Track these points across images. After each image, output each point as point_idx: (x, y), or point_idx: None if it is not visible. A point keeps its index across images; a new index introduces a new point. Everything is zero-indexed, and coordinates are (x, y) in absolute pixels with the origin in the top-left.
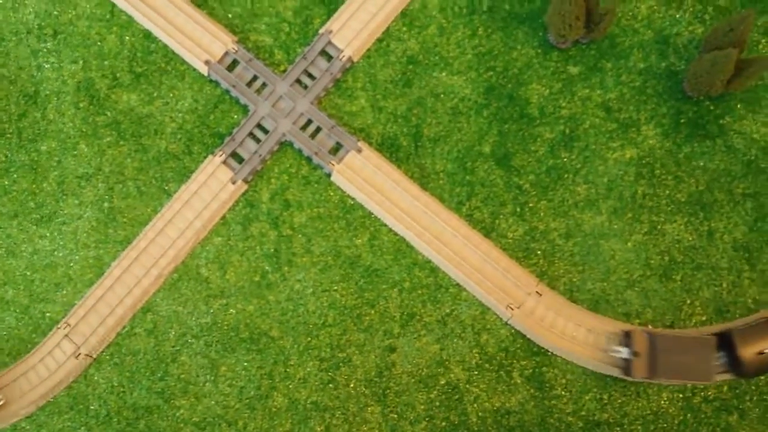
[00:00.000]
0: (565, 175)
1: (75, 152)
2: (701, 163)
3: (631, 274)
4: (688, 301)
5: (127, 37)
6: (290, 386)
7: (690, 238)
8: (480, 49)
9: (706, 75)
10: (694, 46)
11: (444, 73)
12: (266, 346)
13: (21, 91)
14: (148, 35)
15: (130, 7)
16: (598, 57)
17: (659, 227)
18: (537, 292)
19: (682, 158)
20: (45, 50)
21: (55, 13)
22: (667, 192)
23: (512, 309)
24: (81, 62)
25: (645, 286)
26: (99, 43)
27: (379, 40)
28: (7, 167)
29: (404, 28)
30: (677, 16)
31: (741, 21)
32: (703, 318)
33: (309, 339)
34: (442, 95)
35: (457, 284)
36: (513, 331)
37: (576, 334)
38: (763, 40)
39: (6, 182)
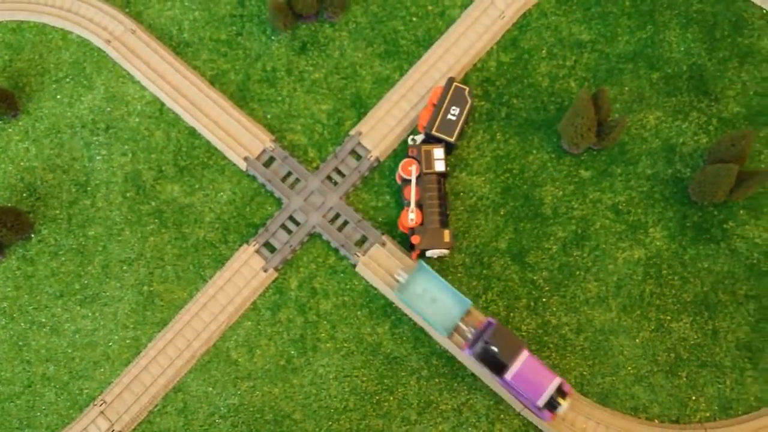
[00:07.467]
0: (577, 273)
1: (120, 238)
2: (706, 265)
3: (638, 370)
4: (693, 397)
5: (174, 134)
6: None
7: (695, 337)
8: (498, 152)
9: (709, 185)
10: (699, 155)
11: (464, 174)
12: (289, 429)
13: (73, 180)
14: (192, 132)
15: (178, 106)
16: (608, 162)
17: (666, 325)
18: None
19: (688, 260)
20: (97, 143)
21: (109, 109)
22: (674, 292)
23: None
24: (130, 155)
25: (652, 382)
26: (147, 138)
27: (404, 142)
28: (56, 251)
29: None
30: (683, 126)
31: (742, 137)
32: (708, 414)
33: (330, 423)
34: (461, 194)
35: (473, 374)
36: (525, 421)
37: (585, 426)
38: (766, 151)
39: (54, 264)
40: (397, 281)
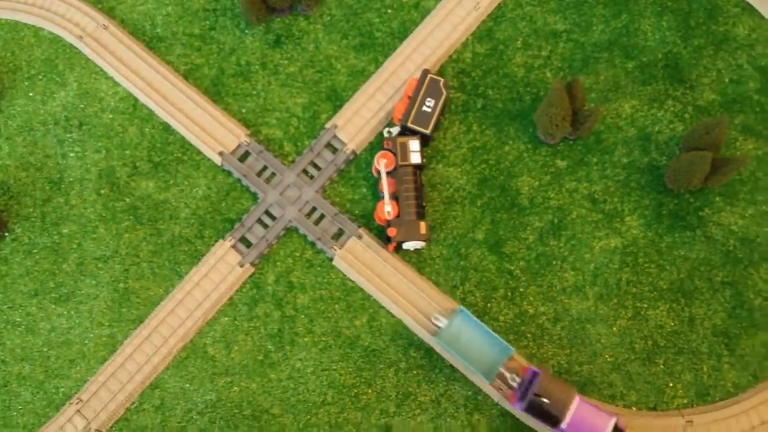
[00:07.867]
0: (554, 262)
1: (94, 235)
2: (682, 253)
3: (616, 358)
4: (671, 384)
5: (148, 129)
6: None
7: (672, 324)
8: (474, 143)
9: (684, 173)
10: (674, 143)
11: (441, 165)
12: (267, 423)
13: (46, 177)
14: (166, 128)
15: (151, 101)
16: (584, 152)
17: (643, 313)
18: None
19: (664, 248)
20: (71, 140)
21: (82, 106)
22: (650, 279)
23: (502, 390)
24: (104, 152)
25: (629, 369)
26: (121, 135)
27: (380, 134)
28: (30, 249)
29: None
30: (659, 114)
31: (716, 125)
32: (685, 401)
33: (308, 417)
34: (438, 185)
35: (451, 365)
36: (503, 411)
37: None
38: (741, 138)
39: (28, 263)
40: (437, 326)
